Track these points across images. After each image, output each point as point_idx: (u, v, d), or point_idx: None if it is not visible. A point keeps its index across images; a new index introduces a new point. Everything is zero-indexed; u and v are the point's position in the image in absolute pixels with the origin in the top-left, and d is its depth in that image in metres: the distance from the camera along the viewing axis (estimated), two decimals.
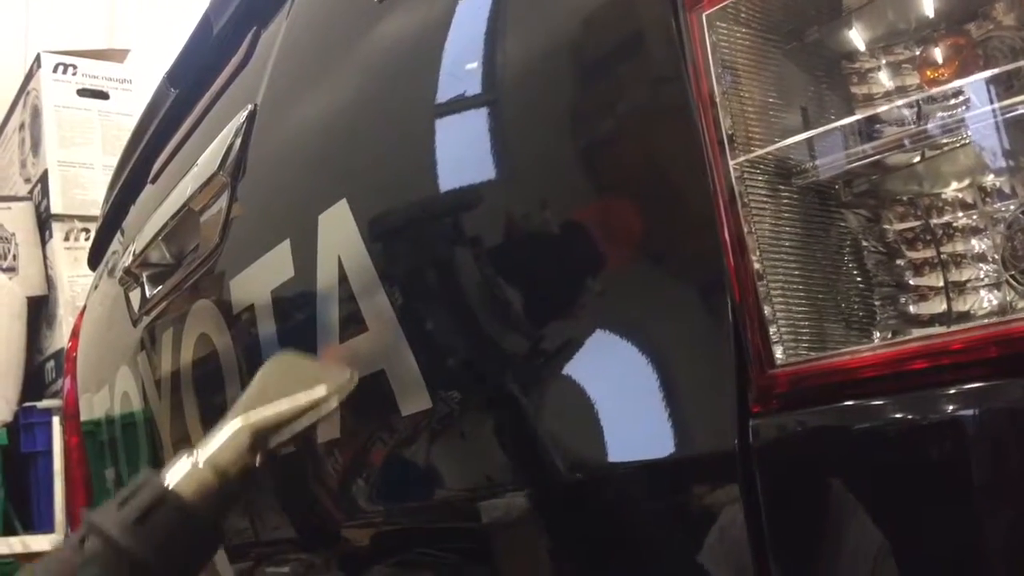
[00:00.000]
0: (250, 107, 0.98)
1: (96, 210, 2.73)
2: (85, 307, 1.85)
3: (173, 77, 1.28)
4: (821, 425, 0.45)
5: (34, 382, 2.94)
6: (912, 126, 0.46)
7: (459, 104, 0.67)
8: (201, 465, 0.60)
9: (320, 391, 0.63)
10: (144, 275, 1.26)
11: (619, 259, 0.55)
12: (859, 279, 0.48)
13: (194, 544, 0.60)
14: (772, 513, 0.45)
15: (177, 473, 0.60)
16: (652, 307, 0.53)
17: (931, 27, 0.46)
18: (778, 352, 0.45)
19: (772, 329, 0.46)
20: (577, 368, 0.55)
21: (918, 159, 0.47)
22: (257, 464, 0.62)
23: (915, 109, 0.46)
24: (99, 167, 3.00)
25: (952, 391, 0.41)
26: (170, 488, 0.59)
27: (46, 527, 2.67)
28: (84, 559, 0.58)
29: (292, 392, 0.63)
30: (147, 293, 1.25)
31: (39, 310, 2.99)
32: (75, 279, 2.91)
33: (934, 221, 0.46)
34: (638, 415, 0.51)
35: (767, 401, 0.46)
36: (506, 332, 0.61)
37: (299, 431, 0.63)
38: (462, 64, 0.66)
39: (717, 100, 0.48)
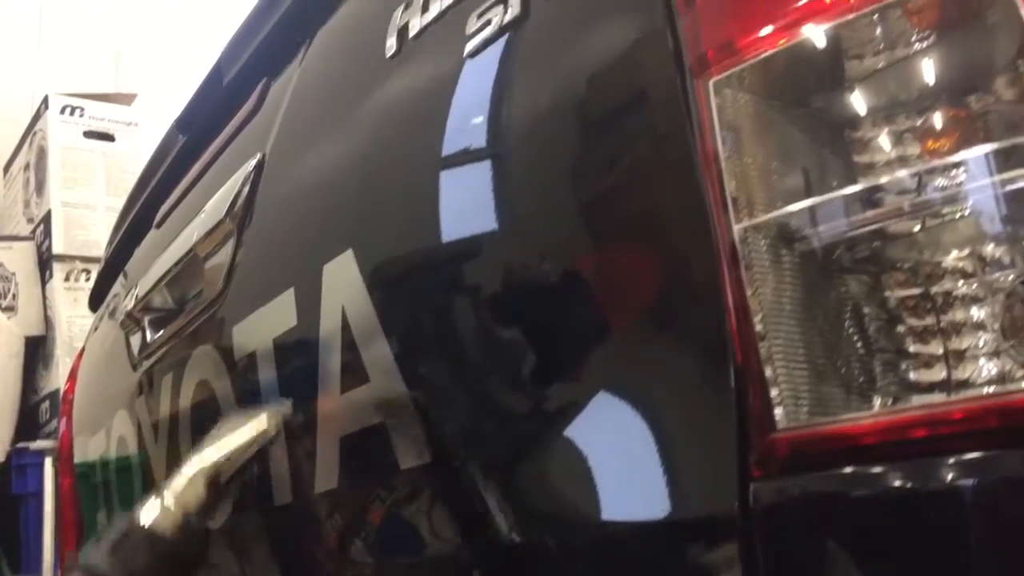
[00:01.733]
0: (259, 156, 0.99)
1: (98, 251, 2.74)
2: (84, 348, 1.85)
3: (182, 124, 1.30)
4: (822, 491, 0.45)
5: (28, 422, 2.93)
6: (913, 195, 0.46)
7: (466, 159, 0.68)
8: (167, 505, 0.74)
9: (261, 423, 0.78)
10: (146, 319, 1.26)
11: (622, 318, 0.55)
12: (860, 344, 0.48)
13: (164, 566, 0.73)
14: None
15: (149, 513, 0.74)
16: (655, 367, 0.53)
17: (932, 98, 0.47)
18: (779, 415, 0.46)
19: (773, 392, 0.46)
20: (579, 427, 0.55)
21: (919, 227, 0.47)
22: (216, 498, 0.77)
23: (916, 178, 0.47)
24: (102, 208, 3.02)
25: (952, 460, 0.41)
26: (142, 524, 0.72)
27: (34, 570, 2.65)
28: None
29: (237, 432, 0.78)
30: (148, 337, 1.25)
31: (36, 350, 2.98)
32: (74, 319, 2.91)
33: (934, 289, 0.47)
34: (640, 476, 0.51)
35: (768, 465, 0.46)
36: (507, 389, 0.62)
37: (245, 463, 0.78)
38: (469, 120, 0.67)
39: (722, 165, 0.48)
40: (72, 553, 0.73)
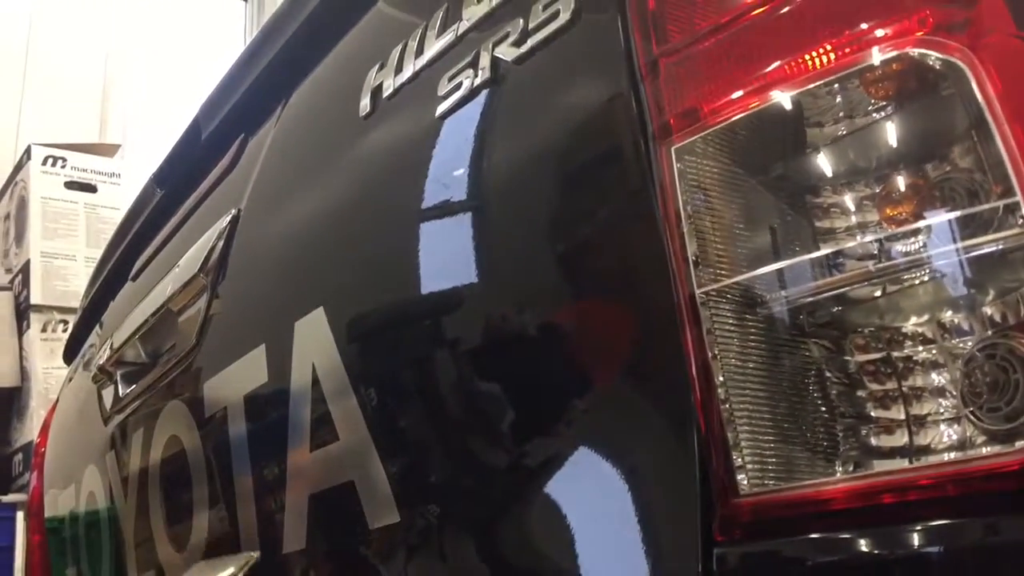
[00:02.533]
0: (234, 211, 0.99)
1: (76, 302, 2.72)
2: (57, 401, 1.83)
3: (160, 178, 1.30)
4: (785, 556, 0.45)
5: (1, 475, 2.88)
6: (873, 261, 0.47)
7: (435, 219, 0.68)
8: None
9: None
10: (118, 373, 1.25)
11: (586, 381, 0.55)
12: (823, 409, 0.48)
13: None
14: None
15: None
16: (618, 430, 0.53)
17: (890, 166, 0.48)
18: (742, 481, 0.46)
19: (736, 456, 0.46)
20: (543, 490, 0.55)
21: (879, 293, 0.48)
22: None
23: (876, 244, 0.47)
24: (82, 259, 3.01)
25: (919, 527, 0.41)
26: None
27: None
28: None
29: None
30: (120, 391, 1.24)
31: (11, 401, 2.95)
32: (49, 371, 2.88)
33: (895, 354, 0.47)
34: (603, 540, 0.51)
35: (731, 530, 0.46)
36: (475, 452, 0.61)
37: None
38: (439, 180, 0.68)
39: (684, 229, 0.49)
40: None
